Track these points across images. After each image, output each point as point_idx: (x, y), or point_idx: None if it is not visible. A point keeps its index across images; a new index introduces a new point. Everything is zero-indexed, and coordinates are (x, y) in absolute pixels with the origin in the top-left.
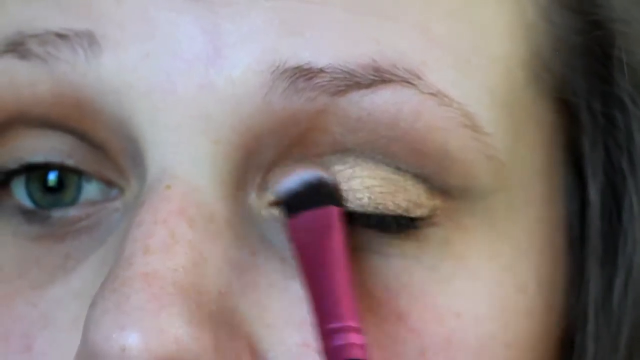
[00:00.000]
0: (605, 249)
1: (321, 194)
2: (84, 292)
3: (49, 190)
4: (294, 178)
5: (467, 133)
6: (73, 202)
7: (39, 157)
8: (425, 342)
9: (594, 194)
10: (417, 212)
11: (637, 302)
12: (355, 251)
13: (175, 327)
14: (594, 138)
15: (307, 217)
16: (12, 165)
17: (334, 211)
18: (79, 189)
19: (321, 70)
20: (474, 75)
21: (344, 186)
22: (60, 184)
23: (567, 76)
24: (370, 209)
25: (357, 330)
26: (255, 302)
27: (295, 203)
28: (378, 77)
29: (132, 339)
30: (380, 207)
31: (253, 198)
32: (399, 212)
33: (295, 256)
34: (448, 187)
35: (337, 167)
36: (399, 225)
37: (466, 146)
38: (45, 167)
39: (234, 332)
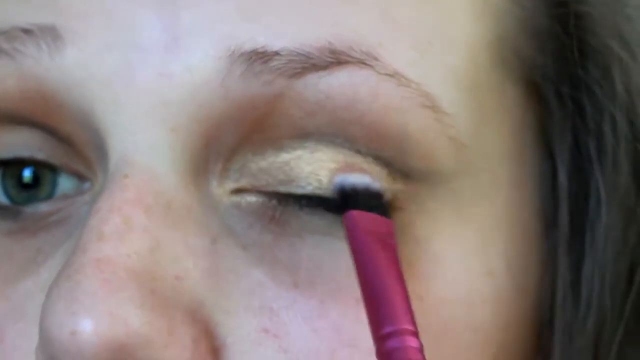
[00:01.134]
0: (574, 234)
1: (381, 205)
2: None
3: (24, 187)
4: (358, 176)
5: (427, 114)
6: (48, 197)
7: (8, 153)
8: None
9: (562, 178)
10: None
11: (604, 286)
12: (316, 235)
13: (126, 312)
14: (563, 122)
15: (371, 218)
16: None
17: (393, 225)
18: (54, 185)
19: (277, 53)
20: (435, 57)
21: (305, 169)
22: (36, 181)
23: (536, 59)
24: (329, 192)
25: (414, 334)
26: (215, 288)
27: (359, 200)
28: (334, 59)
29: (82, 324)
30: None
31: (214, 185)
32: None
33: (354, 252)
34: (409, 170)
35: (298, 152)
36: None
37: (426, 127)
38: (17, 163)
39: (191, 318)
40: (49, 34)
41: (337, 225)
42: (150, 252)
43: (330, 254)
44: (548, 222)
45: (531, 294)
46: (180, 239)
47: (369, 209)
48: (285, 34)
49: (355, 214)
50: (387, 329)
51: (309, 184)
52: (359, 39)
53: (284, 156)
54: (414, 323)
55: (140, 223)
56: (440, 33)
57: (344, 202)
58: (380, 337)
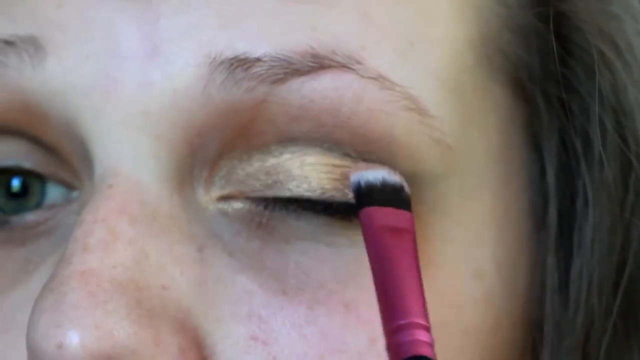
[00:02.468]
0: (562, 233)
1: (399, 197)
2: None
3: (13, 196)
4: (373, 172)
5: (412, 116)
6: (36, 207)
7: None
8: (376, 331)
9: (550, 177)
10: None
11: (592, 285)
12: (304, 241)
13: (111, 323)
14: (549, 121)
15: (387, 213)
16: None
17: (411, 217)
18: (42, 194)
19: (258, 60)
20: (418, 58)
21: (294, 172)
22: (25, 190)
23: (521, 58)
24: (317, 194)
25: (426, 328)
26: (202, 297)
27: (374, 196)
28: (317, 64)
29: (68, 337)
30: (327, 193)
31: (201, 193)
32: (349, 198)
33: (368, 248)
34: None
35: (285, 156)
36: (348, 212)
37: (412, 130)
38: (4, 172)
39: (178, 327)
40: (31, 45)
41: (325, 230)
42: (136, 263)
43: (318, 260)
44: (537, 222)
45: (520, 295)
46: (166, 248)
47: (386, 203)
48: (266, 40)
49: (370, 210)
50: (398, 322)
51: (298, 186)
52: (340, 43)
53: (271, 160)
54: (426, 317)
55: (125, 233)
56: (422, 34)
57: (358, 199)
58: (391, 331)
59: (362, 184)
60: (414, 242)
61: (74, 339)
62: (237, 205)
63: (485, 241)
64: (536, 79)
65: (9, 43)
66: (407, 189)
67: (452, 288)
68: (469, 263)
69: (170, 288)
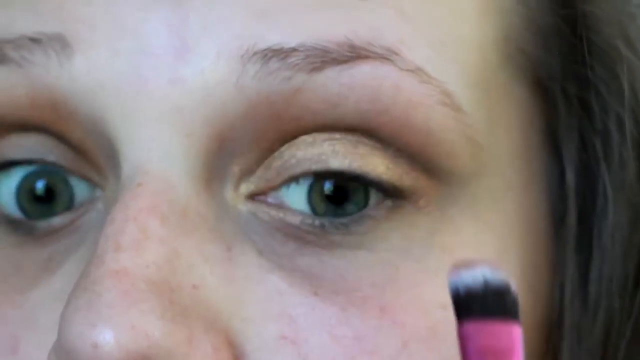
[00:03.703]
0: (582, 234)
1: (504, 303)
2: (65, 293)
3: (38, 199)
4: (473, 273)
5: (448, 112)
6: (64, 210)
7: (17, 154)
8: (408, 334)
9: (570, 177)
10: (399, 182)
11: (612, 286)
12: (341, 247)
13: (147, 323)
14: (569, 121)
15: (489, 330)
16: None
17: (517, 331)
18: (69, 197)
19: (294, 49)
20: (450, 55)
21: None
22: (51, 194)
23: (542, 58)
24: (351, 168)
25: None
26: (231, 296)
27: (474, 306)
28: (354, 54)
29: (104, 336)
30: (359, 168)
31: (229, 190)
32: (382, 178)
33: None
34: (431, 167)
35: (316, 142)
36: (384, 199)
37: (447, 125)
38: (30, 176)
39: (209, 326)
40: (58, 43)
41: (368, 236)
42: (168, 262)
43: (357, 264)
44: (556, 222)
45: (541, 296)
46: (196, 246)
47: (489, 311)
48: (301, 31)
49: (469, 328)
50: None
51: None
52: (377, 35)
53: (299, 154)
54: None
55: (156, 232)
56: (452, 32)
57: (457, 309)
58: None
59: (461, 290)
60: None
61: (109, 338)
62: (270, 211)
63: (510, 245)
64: (556, 79)
65: (34, 40)
66: (513, 288)
67: None
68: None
69: (201, 287)
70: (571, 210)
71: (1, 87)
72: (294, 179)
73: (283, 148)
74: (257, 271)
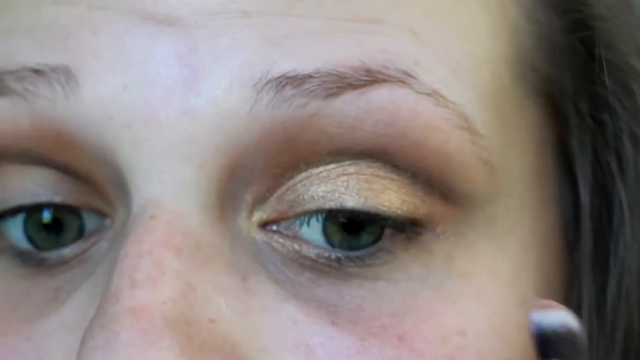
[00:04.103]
0: (598, 252)
1: (578, 348)
2: (76, 325)
3: (45, 227)
4: (556, 316)
5: (464, 135)
6: (74, 240)
7: (26, 198)
8: None
9: (584, 195)
10: (415, 213)
11: (630, 305)
12: (358, 278)
13: None
14: (582, 139)
15: None
16: (0, 208)
17: None
18: (79, 228)
19: (309, 76)
20: (465, 76)
21: (341, 199)
22: (60, 224)
23: (554, 76)
24: (365, 207)
25: None
26: (248, 327)
27: (559, 348)
28: (371, 78)
29: None
30: (374, 206)
31: (242, 218)
32: (398, 213)
33: None
34: (448, 192)
35: (331, 166)
36: (400, 232)
37: (464, 149)
38: (35, 208)
39: (227, 359)
40: (62, 74)
41: (385, 267)
42: (184, 297)
43: (375, 295)
44: (569, 241)
45: None
46: (211, 279)
47: (565, 355)
48: (315, 57)
49: None
50: None
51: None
52: (392, 58)
53: (312, 190)
54: None
55: (171, 267)
56: (467, 52)
57: (543, 348)
58: None
59: (548, 330)
60: None
61: None
62: (285, 242)
63: (526, 267)
64: (569, 96)
65: (37, 72)
66: (581, 334)
67: (500, 319)
68: (514, 291)
69: (217, 321)
70: (586, 228)
71: (4, 119)
72: (308, 213)
73: (296, 179)
74: (273, 300)
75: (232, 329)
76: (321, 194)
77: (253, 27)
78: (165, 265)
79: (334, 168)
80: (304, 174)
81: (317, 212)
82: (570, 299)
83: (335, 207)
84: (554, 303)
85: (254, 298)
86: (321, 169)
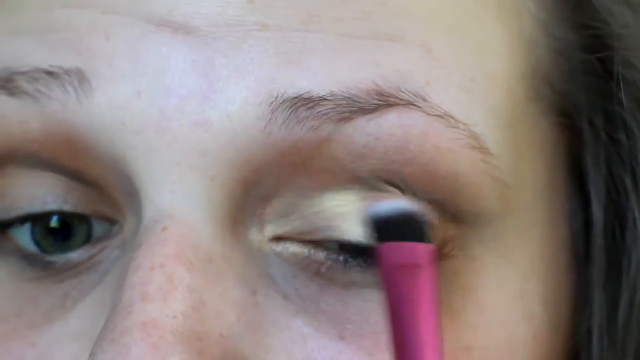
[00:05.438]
0: (610, 269)
1: (416, 228)
2: (83, 333)
3: (51, 232)
4: (387, 203)
5: (475, 155)
6: (82, 245)
7: (35, 207)
8: None
9: (597, 212)
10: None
11: None
12: (366, 288)
13: None
14: (597, 155)
15: (405, 248)
16: (9, 216)
17: (428, 249)
18: (88, 233)
19: (324, 99)
20: (479, 94)
21: (353, 215)
22: (68, 229)
23: (569, 92)
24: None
25: None
26: (258, 342)
27: (388, 230)
28: (383, 102)
29: None
30: None
31: (253, 233)
32: None
33: (383, 293)
34: (459, 213)
35: (345, 194)
36: None
37: (474, 169)
38: (45, 216)
39: None
40: (76, 78)
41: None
42: (195, 311)
43: (379, 305)
44: (580, 257)
45: (564, 331)
46: (222, 293)
47: (404, 236)
48: (329, 78)
49: (384, 247)
50: None
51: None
52: (405, 79)
53: (327, 203)
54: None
55: (183, 281)
56: (481, 69)
57: (375, 234)
58: None
59: (377, 217)
60: (431, 276)
61: None
62: (294, 249)
63: (534, 281)
64: (583, 112)
65: (50, 74)
66: (424, 217)
67: (505, 332)
68: (520, 305)
69: (228, 336)
70: (598, 244)
71: (14, 120)
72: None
73: (308, 206)
74: (282, 315)
75: (242, 344)
76: (333, 226)
77: (270, 42)
78: (177, 279)
79: (350, 195)
80: (318, 200)
81: (328, 241)
82: (581, 316)
83: (346, 240)
84: (394, 194)
85: (263, 313)
86: (337, 196)
